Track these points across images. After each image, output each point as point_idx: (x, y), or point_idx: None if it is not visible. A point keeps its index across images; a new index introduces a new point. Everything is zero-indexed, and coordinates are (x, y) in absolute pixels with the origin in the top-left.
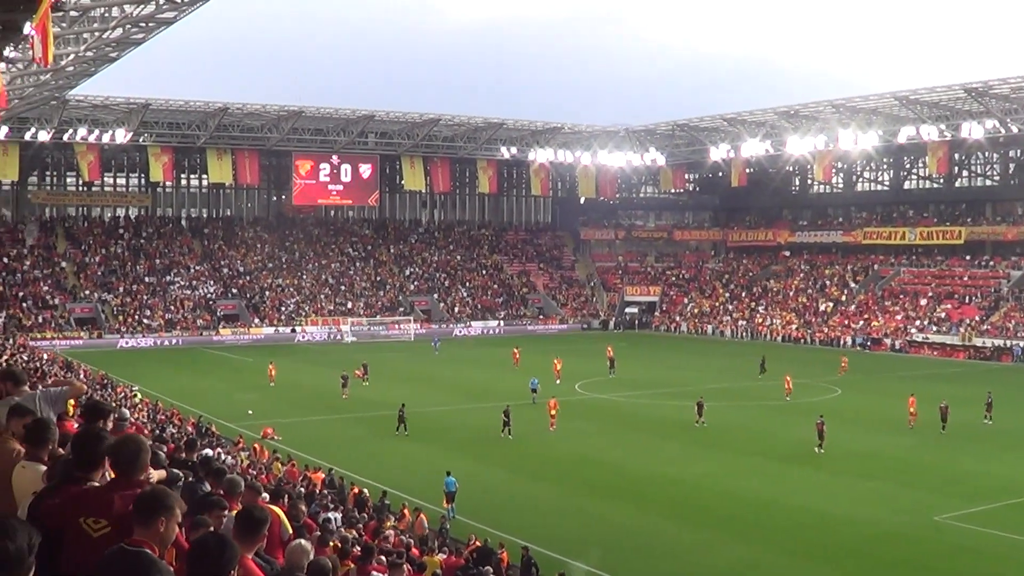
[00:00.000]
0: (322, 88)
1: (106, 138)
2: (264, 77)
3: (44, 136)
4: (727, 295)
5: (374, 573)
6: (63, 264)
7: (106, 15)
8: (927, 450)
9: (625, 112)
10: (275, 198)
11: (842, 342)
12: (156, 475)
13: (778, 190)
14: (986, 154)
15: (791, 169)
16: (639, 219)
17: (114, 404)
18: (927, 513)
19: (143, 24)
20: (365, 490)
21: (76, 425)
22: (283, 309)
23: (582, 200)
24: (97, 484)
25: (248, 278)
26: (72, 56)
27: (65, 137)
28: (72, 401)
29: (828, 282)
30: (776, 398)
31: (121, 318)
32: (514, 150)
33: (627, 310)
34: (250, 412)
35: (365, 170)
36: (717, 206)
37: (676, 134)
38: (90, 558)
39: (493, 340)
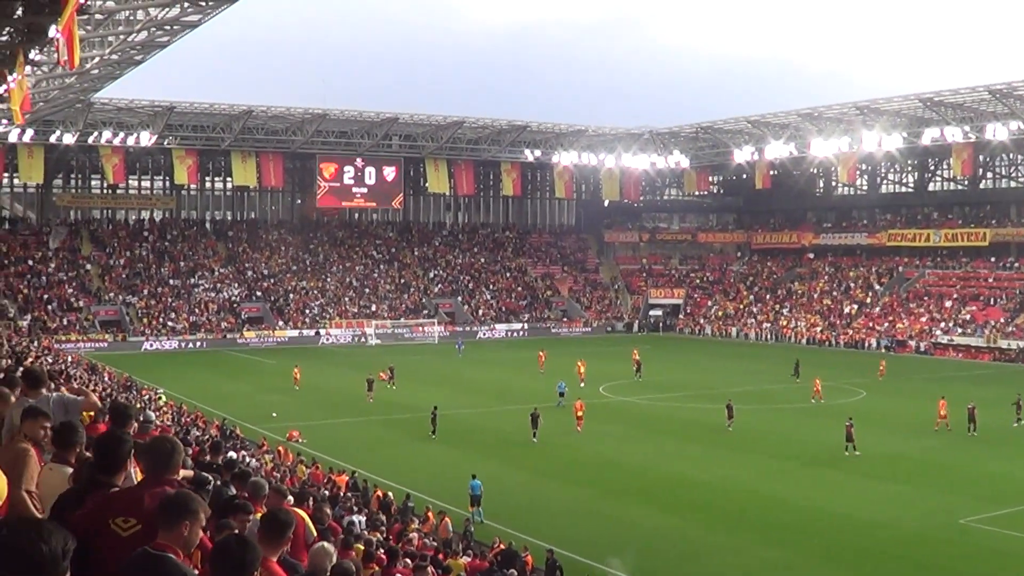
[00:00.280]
0: (346, 91)
1: (131, 141)
2: (288, 80)
3: (69, 139)
4: (751, 297)
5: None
6: (88, 267)
7: (131, 18)
8: (953, 452)
9: (649, 115)
10: (299, 201)
11: (867, 344)
12: (183, 473)
13: (802, 192)
14: (1011, 155)
15: (815, 171)
16: (663, 221)
17: (139, 407)
18: (953, 516)
19: (168, 27)
20: (390, 493)
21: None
22: (307, 312)
23: (606, 203)
24: (119, 487)
25: (272, 281)
26: (97, 59)
27: (90, 140)
28: (87, 413)
29: (853, 284)
30: (802, 401)
31: (146, 321)
32: (538, 153)
33: (651, 313)
34: (274, 415)
35: (389, 173)
36: (741, 208)
37: (700, 136)
38: (120, 557)
39: (517, 343)
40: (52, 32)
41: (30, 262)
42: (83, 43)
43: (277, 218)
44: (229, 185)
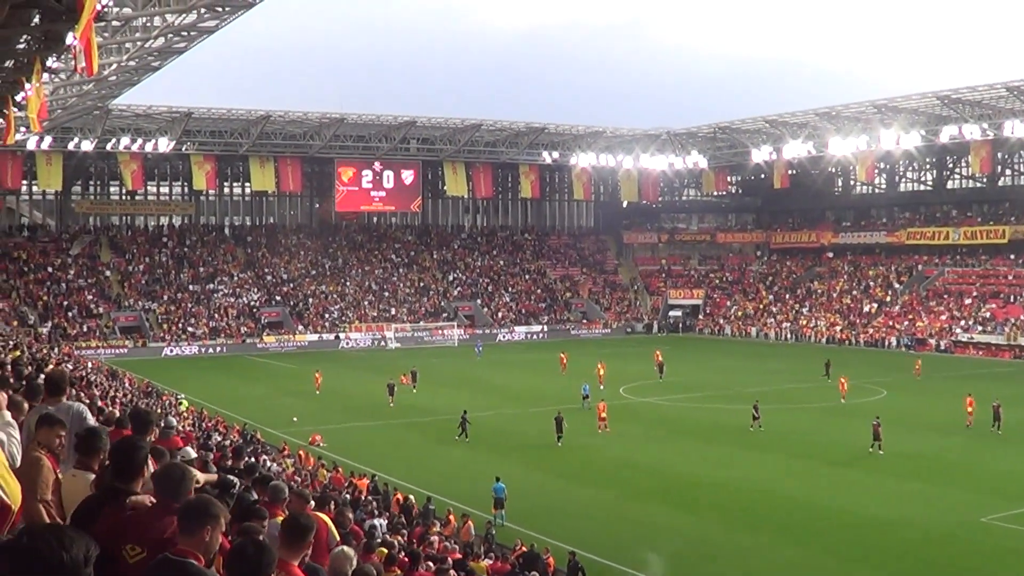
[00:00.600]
0: (362, 96)
1: (149, 147)
2: (305, 84)
3: (87, 146)
4: (771, 297)
5: None
6: (107, 273)
7: (148, 24)
8: (975, 450)
9: (665, 117)
10: (317, 205)
11: (887, 343)
12: (204, 478)
13: (820, 191)
14: None
15: (833, 170)
16: (681, 222)
17: (160, 412)
18: (974, 514)
19: (185, 33)
20: (411, 496)
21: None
22: (327, 316)
23: (624, 204)
24: (137, 498)
25: (291, 285)
26: (115, 66)
27: (108, 146)
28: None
29: (872, 283)
30: (822, 400)
31: (165, 326)
32: (556, 155)
33: (671, 313)
34: (295, 419)
35: (407, 176)
36: (760, 208)
37: (717, 136)
38: None
39: (537, 345)
40: (69, 39)
41: (50, 269)
42: (101, 50)
43: (296, 223)
44: (248, 190)
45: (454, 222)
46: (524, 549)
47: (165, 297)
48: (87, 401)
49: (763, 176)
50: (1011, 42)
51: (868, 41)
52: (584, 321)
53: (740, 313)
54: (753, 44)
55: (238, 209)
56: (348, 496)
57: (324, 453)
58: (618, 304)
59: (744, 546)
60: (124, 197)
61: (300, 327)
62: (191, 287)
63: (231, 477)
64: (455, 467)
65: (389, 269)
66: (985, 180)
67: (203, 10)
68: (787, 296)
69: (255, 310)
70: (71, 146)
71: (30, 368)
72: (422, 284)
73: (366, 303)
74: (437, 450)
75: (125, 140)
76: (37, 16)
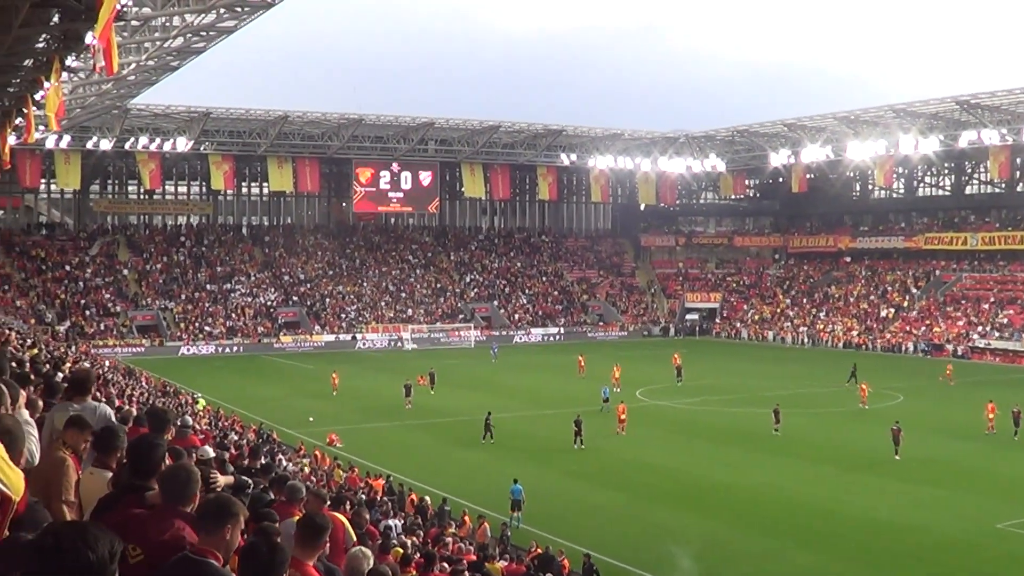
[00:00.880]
0: (380, 98)
1: (167, 146)
2: (324, 86)
3: (106, 145)
4: (788, 301)
5: None
6: (125, 272)
7: (167, 24)
8: (992, 456)
9: (683, 120)
10: (337, 202)
11: (904, 348)
12: (223, 480)
13: (839, 195)
14: None
15: (852, 174)
16: (699, 225)
17: (176, 411)
18: (989, 520)
19: (204, 33)
20: (427, 497)
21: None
22: (343, 316)
23: (642, 206)
24: (148, 501)
25: (309, 285)
26: (134, 65)
27: (127, 146)
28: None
29: (889, 288)
30: (838, 405)
31: (183, 325)
32: (574, 157)
33: (687, 317)
34: (311, 419)
35: (425, 177)
36: (778, 212)
37: (736, 140)
38: None
39: (553, 347)
40: (89, 39)
41: (67, 267)
42: (120, 49)
43: (313, 223)
44: (265, 190)
45: (471, 223)
46: (539, 551)
47: (182, 296)
48: (103, 399)
49: (781, 180)
50: None
51: (887, 46)
52: (601, 323)
53: (757, 317)
54: (771, 49)
55: (256, 209)
56: (364, 497)
57: (340, 453)
58: (635, 307)
59: (759, 550)
60: (142, 196)
61: (317, 327)
62: (208, 287)
63: (245, 478)
64: (471, 468)
65: (406, 270)
66: (1004, 185)
67: (222, 10)
68: (804, 300)
69: (272, 310)
70: (90, 145)
71: (48, 366)
72: (439, 285)
73: (383, 304)
74: (453, 451)
75: (143, 139)
76: (56, 15)
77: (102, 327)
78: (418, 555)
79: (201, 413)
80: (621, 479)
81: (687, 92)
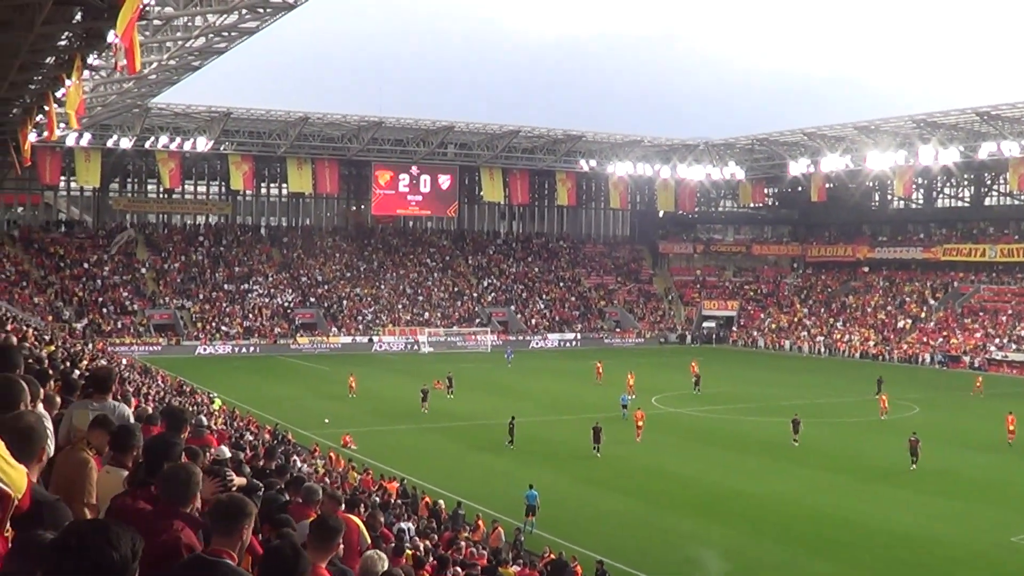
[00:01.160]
0: (400, 102)
1: (187, 146)
2: (345, 88)
3: (126, 143)
4: (805, 311)
5: None
6: (143, 270)
7: (189, 24)
8: (1007, 468)
9: (704, 127)
10: (354, 208)
11: (921, 359)
12: (239, 481)
13: (858, 205)
14: None
15: (871, 184)
16: (717, 233)
17: (192, 410)
18: (1005, 534)
19: (226, 33)
20: (441, 501)
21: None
22: (360, 318)
23: (661, 213)
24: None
25: (326, 287)
26: (155, 64)
27: (147, 145)
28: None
29: (907, 299)
30: (854, 415)
31: (200, 325)
32: (593, 163)
33: (704, 324)
34: (327, 420)
35: (444, 181)
36: (796, 221)
37: (755, 148)
38: None
39: (570, 353)
40: (110, 37)
41: (85, 265)
42: (142, 48)
43: (332, 225)
44: (284, 191)
45: (490, 228)
46: (552, 557)
47: (200, 296)
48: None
49: (800, 189)
50: None
51: (907, 56)
52: (617, 330)
53: (774, 326)
54: (790, 59)
55: (274, 210)
56: (378, 499)
57: (355, 455)
58: (652, 314)
59: (774, 559)
60: (161, 195)
61: (334, 329)
62: (226, 286)
63: (256, 480)
64: (486, 472)
65: (424, 273)
66: (1023, 198)
67: (244, 11)
68: (821, 310)
69: (289, 311)
70: (110, 143)
71: (65, 364)
72: (456, 289)
73: (400, 307)
74: (468, 455)
75: (164, 138)
76: (79, 13)
77: (119, 325)
78: (431, 558)
79: (217, 413)
80: (636, 486)
81: (706, 100)
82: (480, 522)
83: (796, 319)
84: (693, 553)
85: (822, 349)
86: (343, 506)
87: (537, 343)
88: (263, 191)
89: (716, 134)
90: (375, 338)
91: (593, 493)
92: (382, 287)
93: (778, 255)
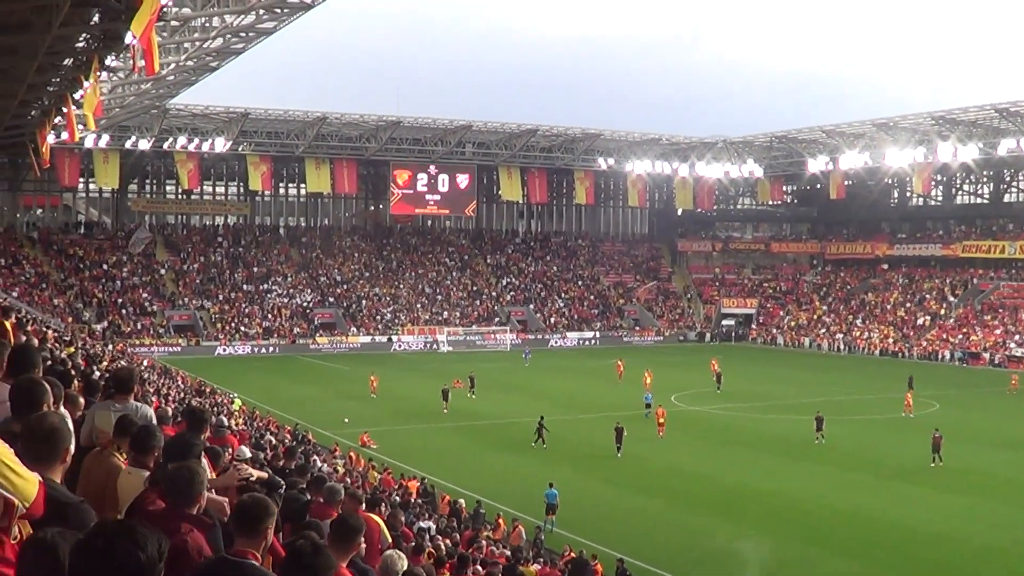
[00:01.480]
0: (420, 99)
1: (205, 147)
2: (363, 88)
3: (144, 144)
4: (824, 308)
5: None
6: (162, 271)
7: (207, 25)
8: None
9: (720, 127)
10: (372, 207)
11: (940, 356)
12: (257, 474)
13: (876, 202)
14: None
15: (890, 181)
16: (736, 231)
17: (212, 410)
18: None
19: (243, 34)
20: (461, 500)
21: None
22: (379, 318)
23: (679, 211)
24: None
25: (345, 287)
26: (173, 65)
27: (165, 145)
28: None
29: (927, 296)
30: (875, 412)
31: (219, 325)
32: (611, 161)
33: (724, 322)
34: (346, 420)
35: (462, 180)
36: (815, 218)
37: (774, 146)
38: None
39: (589, 351)
40: (128, 38)
41: (105, 266)
42: (160, 50)
43: (350, 224)
44: (303, 191)
45: (508, 227)
46: (573, 555)
47: (219, 296)
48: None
49: (819, 186)
50: None
51: (923, 54)
52: (637, 328)
53: (793, 323)
54: (809, 58)
55: (293, 210)
56: (398, 498)
57: (374, 455)
58: (671, 312)
59: (795, 556)
60: (180, 196)
61: (353, 329)
62: (245, 287)
63: (277, 477)
64: (506, 471)
65: (443, 272)
66: None
67: (262, 11)
68: (841, 307)
69: (308, 311)
70: (128, 144)
71: (85, 365)
72: (475, 288)
73: (419, 306)
74: (488, 454)
75: (182, 139)
76: (97, 15)
77: (139, 326)
78: (452, 557)
79: (237, 413)
80: (657, 484)
81: (724, 99)
82: (500, 521)
83: (815, 316)
84: (732, 547)
85: (841, 346)
86: (364, 505)
87: (556, 342)
88: (281, 191)
89: (734, 132)
90: (394, 338)
91: (614, 491)
92: (401, 287)
93: (797, 252)
